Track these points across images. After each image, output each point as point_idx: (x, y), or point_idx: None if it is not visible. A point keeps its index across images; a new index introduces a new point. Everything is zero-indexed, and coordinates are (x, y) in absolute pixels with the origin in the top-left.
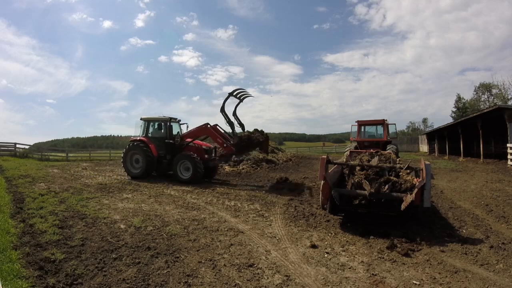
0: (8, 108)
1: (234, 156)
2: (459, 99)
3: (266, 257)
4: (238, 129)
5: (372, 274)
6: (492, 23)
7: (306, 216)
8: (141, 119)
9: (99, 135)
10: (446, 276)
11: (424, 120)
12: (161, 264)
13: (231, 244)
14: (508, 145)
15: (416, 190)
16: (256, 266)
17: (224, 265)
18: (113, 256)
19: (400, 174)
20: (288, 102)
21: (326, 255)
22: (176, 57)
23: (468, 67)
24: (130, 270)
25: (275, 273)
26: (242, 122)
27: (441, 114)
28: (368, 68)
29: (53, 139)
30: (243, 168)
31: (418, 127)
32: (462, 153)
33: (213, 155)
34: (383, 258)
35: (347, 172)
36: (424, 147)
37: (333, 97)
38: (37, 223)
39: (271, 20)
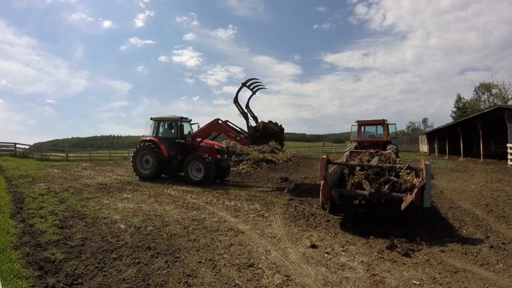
0: (8, 108)
1: (234, 156)
2: (459, 99)
3: (266, 257)
4: (251, 123)
5: (372, 274)
6: (492, 23)
7: (306, 216)
8: (151, 118)
9: (99, 135)
10: (446, 276)
11: (424, 120)
12: (161, 264)
13: (231, 244)
14: (508, 145)
15: (416, 190)
16: (256, 266)
17: (224, 265)
18: (113, 256)
19: (400, 174)
20: (288, 102)
21: (326, 255)
22: (176, 57)
23: (468, 67)
24: (130, 270)
25: (275, 273)
26: (256, 115)
27: (441, 114)
28: (368, 68)
29: (53, 139)
30: (243, 168)
31: (418, 127)
32: (462, 153)
33: (225, 155)
34: (383, 258)
35: (347, 172)
36: (424, 147)
37: (333, 97)
38: (37, 223)
39: (271, 20)
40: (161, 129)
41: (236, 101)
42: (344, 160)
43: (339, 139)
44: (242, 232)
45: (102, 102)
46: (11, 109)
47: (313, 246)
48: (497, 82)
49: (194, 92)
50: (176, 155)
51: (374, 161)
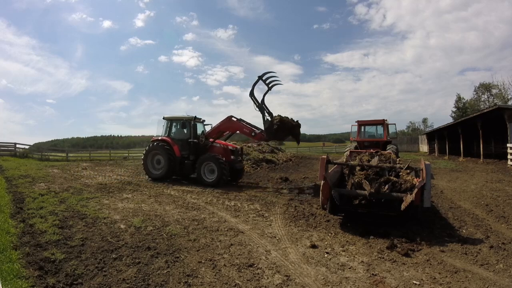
0: (8, 108)
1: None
2: (459, 99)
3: (266, 257)
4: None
5: (372, 274)
6: (492, 23)
7: (306, 216)
8: (163, 118)
9: (99, 135)
10: (446, 276)
11: (424, 120)
12: (161, 264)
13: (231, 244)
14: (508, 145)
15: (416, 190)
16: (256, 266)
17: (224, 265)
18: (113, 256)
19: (400, 174)
20: (288, 102)
21: (326, 255)
22: (176, 57)
23: (468, 67)
24: (130, 270)
25: (275, 273)
26: (271, 111)
27: (441, 114)
28: (368, 68)
29: (53, 139)
30: None
31: (418, 127)
32: (462, 153)
33: (239, 156)
34: (383, 258)
35: (347, 172)
36: (424, 147)
37: (333, 97)
38: (37, 223)
39: (271, 20)
40: (173, 129)
41: (252, 94)
42: (344, 160)
43: (339, 139)
44: (242, 232)
45: (102, 102)
46: (11, 109)
47: (313, 246)
48: (497, 82)
49: (194, 92)
50: (188, 155)
51: (374, 161)
